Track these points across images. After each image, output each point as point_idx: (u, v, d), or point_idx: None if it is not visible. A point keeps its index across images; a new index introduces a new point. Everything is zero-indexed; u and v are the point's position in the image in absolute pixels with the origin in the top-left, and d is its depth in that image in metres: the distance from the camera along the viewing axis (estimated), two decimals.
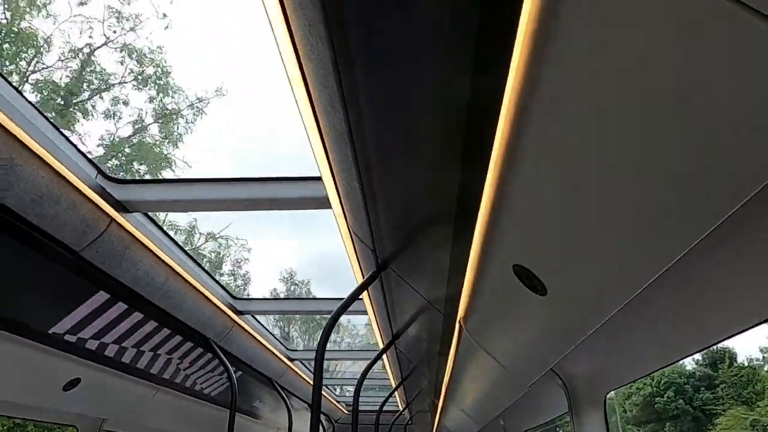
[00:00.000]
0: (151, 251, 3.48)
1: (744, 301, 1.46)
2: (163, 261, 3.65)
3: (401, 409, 10.16)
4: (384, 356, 6.17)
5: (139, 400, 4.77)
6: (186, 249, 4.06)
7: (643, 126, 0.95)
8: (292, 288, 29.01)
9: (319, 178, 2.89)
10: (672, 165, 0.97)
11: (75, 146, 2.85)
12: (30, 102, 2.61)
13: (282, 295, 27.81)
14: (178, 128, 18.27)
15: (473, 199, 1.82)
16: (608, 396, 2.59)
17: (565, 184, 1.24)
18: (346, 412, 12.23)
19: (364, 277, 3.29)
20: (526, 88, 1.14)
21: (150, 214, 3.46)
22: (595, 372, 2.52)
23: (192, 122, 18.37)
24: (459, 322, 2.81)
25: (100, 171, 3.00)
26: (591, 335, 1.90)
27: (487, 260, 1.85)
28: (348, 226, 2.96)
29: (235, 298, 5.09)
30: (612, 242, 1.31)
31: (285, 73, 1.95)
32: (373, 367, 7.55)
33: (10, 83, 2.52)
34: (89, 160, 2.94)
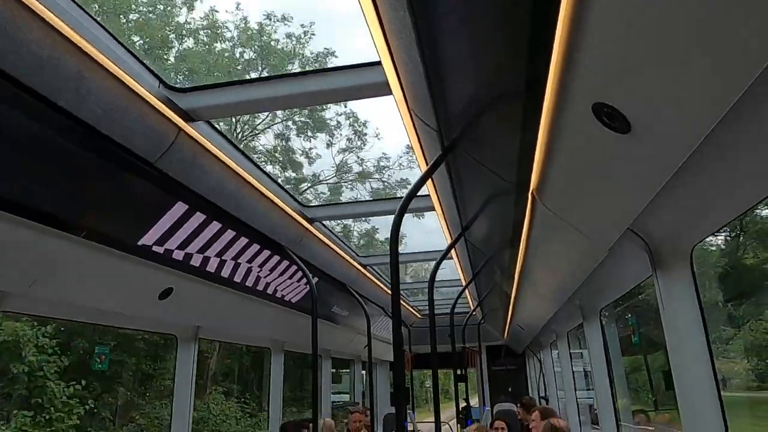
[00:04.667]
0: (220, 160, 3.57)
1: None
2: (233, 170, 3.74)
3: (473, 308, 10.40)
4: (454, 253, 6.25)
5: (227, 307, 5.10)
6: (252, 158, 4.15)
7: None
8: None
9: (377, 63, 2.82)
10: None
11: (137, 57, 2.88)
12: (91, 15, 2.63)
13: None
14: None
15: (545, 54, 1.72)
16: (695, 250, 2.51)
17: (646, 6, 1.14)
18: (419, 316, 12.68)
19: (428, 165, 3.26)
20: None
21: (214, 123, 3.53)
22: (679, 224, 2.43)
23: None
24: (532, 194, 2.76)
25: (162, 81, 3.04)
26: (673, 179, 1.82)
27: (563, 108, 1.77)
28: (409, 110, 2.90)
29: (304, 206, 5.22)
30: (694, 61, 1.22)
31: None
32: (445, 269, 7.61)
33: None
34: (151, 71, 2.98)
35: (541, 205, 2.72)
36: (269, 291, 5.53)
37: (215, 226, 4.06)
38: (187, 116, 3.17)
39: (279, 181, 4.67)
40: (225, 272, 4.59)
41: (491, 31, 2.01)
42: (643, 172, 1.82)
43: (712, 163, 1.90)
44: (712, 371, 2.51)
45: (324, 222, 5.72)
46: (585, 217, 2.53)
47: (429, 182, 3.80)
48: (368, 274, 7.66)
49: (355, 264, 7.02)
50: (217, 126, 3.63)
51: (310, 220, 5.29)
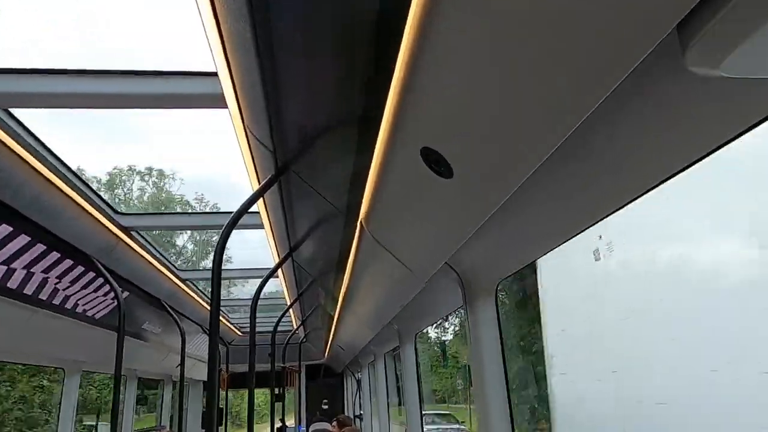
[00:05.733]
0: (19, 156, 3.12)
1: (633, 170, 1.59)
2: (35, 169, 3.29)
3: (296, 327, 10.35)
4: (280, 273, 6.17)
5: (13, 323, 4.42)
6: (61, 157, 3.69)
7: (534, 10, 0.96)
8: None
9: (214, 74, 2.70)
10: (565, 34, 1.00)
11: None
12: None
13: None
14: None
15: (381, 89, 1.79)
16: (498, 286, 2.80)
17: (474, 65, 1.25)
18: (240, 334, 12.25)
19: (260, 184, 3.19)
20: None
21: (12, 111, 3.08)
22: (488, 261, 2.69)
23: None
24: (361, 222, 2.84)
25: None
26: (486, 223, 2.01)
27: (394, 147, 1.85)
28: (244, 126, 2.82)
29: (118, 213, 4.77)
30: (512, 116, 1.36)
31: None
32: (270, 288, 7.47)
33: None
34: None
35: (368, 233, 2.80)
36: (68, 305, 4.92)
37: (5, 229, 3.52)
38: None
39: (90, 182, 4.20)
40: (13, 283, 3.98)
41: (331, 60, 2.04)
42: (462, 214, 1.98)
43: (514, 214, 2.14)
44: (506, 386, 2.86)
45: (141, 232, 5.28)
46: (407, 250, 2.67)
47: (260, 201, 3.72)
48: (187, 289, 7.22)
49: (173, 278, 6.58)
50: (15, 114, 3.16)
51: (125, 229, 4.84)
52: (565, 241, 2.15)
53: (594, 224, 1.91)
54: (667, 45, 0.95)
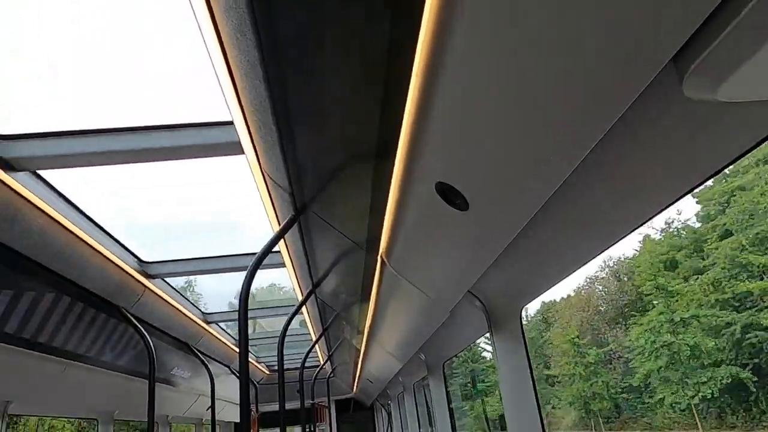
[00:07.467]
0: (46, 213, 3.22)
1: (645, 191, 1.61)
2: (61, 224, 3.39)
3: (323, 362, 10.30)
4: (305, 309, 6.19)
5: (47, 376, 4.49)
6: (84, 211, 3.79)
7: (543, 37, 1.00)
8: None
9: (230, 123, 2.78)
10: (571, 65, 1.03)
11: None
12: None
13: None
14: None
15: (394, 127, 1.84)
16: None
17: (483, 97, 1.29)
18: (267, 372, 12.22)
19: (280, 225, 3.25)
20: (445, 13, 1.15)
21: (40, 173, 3.19)
22: (511, 288, 2.69)
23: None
24: (381, 256, 2.87)
25: None
26: (506, 250, 2.02)
27: (409, 183, 1.89)
28: (262, 171, 2.89)
29: (143, 261, 4.86)
30: (524, 147, 1.39)
31: None
32: (294, 324, 7.47)
33: None
34: None
35: (389, 267, 2.83)
36: (99, 356, 4.98)
37: (36, 286, 3.61)
38: (8, 166, 2.84)
39: (116, 235, 4.30)
40: (44, 338, 4.06)
41: (343, 100, 2.10)
42: (480, 243, 2.00)
43: (533, 241, 2.15)
44: (538, 411, 2.81)
45: (166, 279, 5.36)
46: (429, 281, 2.69)
47: (281, 242, 3.77)
48: (212, 331, 7.26)
49: (199, 321, 6.63)
50: (43, 176, 3.28)
51: (150, 277, 4.92)
52: (583, 265, 2.15)
53: (610, 247, 1.92)
54: (667, 73, 0.99)
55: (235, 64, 1.99)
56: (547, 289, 2.52)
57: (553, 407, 39.00)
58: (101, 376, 5.29)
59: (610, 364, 35.61)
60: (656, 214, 1.63)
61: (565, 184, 1.46)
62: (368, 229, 3.07)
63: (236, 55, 1.90)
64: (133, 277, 4.52)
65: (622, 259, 40.60)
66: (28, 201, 3.02)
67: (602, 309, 39.50)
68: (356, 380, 10.61)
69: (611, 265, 41.21)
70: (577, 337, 37.44)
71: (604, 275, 41.46)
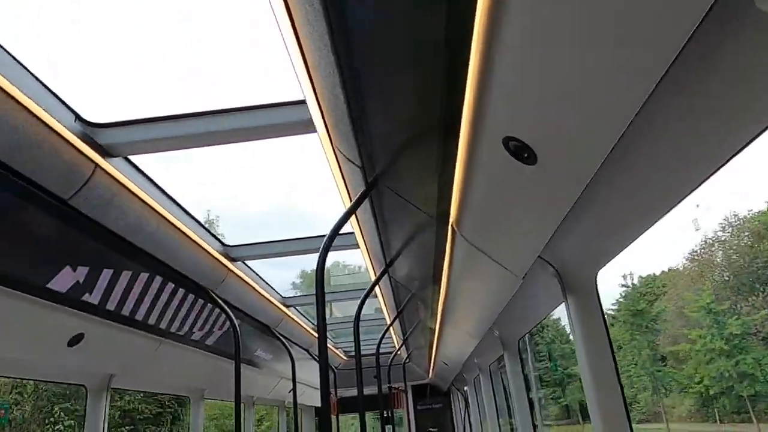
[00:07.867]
0: (140, 198, 3.48)
1: (713, 138, 1.55)
2: (153, 208, 3.65)
3: (398, 347, 10.43)
4: (378, 290, 6.30)
5: (143, 353, 4.85)
6: (173, 197, 4.06)
7: None
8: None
9: (301, 102, 2.90)
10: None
11: (49, 89, 2.80)
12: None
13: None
14: None
15: (458, 91, 1.87)
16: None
17: (544, 45, 1.30)
18: (344, 358, 12.52)
19: (352, 201, 3.33)
20: None
21: (133, 160, 3.45)
22: (584, 251, 2.64)
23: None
24: (452, 226, 2.89)
25: (77, 115, 2.96)
26: (577, 211, 2.00)
27: (476, 141, 1.91)
28: (333, 147, 2.99)
29: (226, 245, 5.13)
30: (586, 93, 1.38)
31: None
32: (368, 310, 7.53)
33: None
34: (65, 104, 2.90)
35: (461, 237, 2.85)
36: (189, 335, 5.32)
37: (132, 266, 3.91)
38: (105, 152, 3.09)
39: (201, 220, 4.57)
40: (140, 315, 4.38)
41: (410, 73, 2.15)
42: (549, 200, 1.99)
43: (603, 199, 2.11)
44: (618, 380, 2.74)
45: (246, 261, 5.62)
46: (500, 247, 2.69)
47: (353, 219, 3.87)
48: (292, 315, 7.53)
49: (279, 305, 6.90)
50: (136, 163, 3.54)
51: (233, 260, 5.19)
52: (658, 220, 2.09)
53: (686, 197, 1.85)
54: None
55: (306, 41, 2.08)
56: (622, 250, 2.45)
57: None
58: (191, 355, 5.64)
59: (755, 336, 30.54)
60: (747, 145, 1.55)
61: (633, 130, 1.44)
62: (439, 200, 3.11)
63: (308, 32, 1.99)
64: (217, 260, 4.78)
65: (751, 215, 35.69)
66: (123, 185, 3.28)
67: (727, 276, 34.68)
68: (432, 364, 10.67)
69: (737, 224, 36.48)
70: (713, 302, 32.19)
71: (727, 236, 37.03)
